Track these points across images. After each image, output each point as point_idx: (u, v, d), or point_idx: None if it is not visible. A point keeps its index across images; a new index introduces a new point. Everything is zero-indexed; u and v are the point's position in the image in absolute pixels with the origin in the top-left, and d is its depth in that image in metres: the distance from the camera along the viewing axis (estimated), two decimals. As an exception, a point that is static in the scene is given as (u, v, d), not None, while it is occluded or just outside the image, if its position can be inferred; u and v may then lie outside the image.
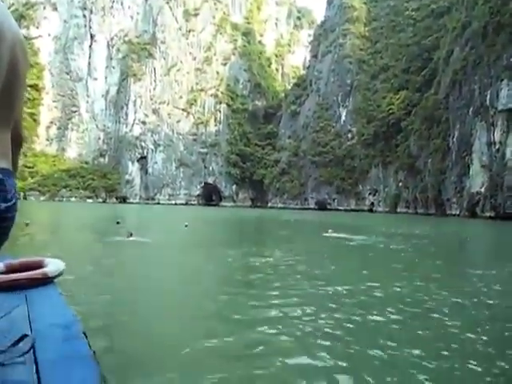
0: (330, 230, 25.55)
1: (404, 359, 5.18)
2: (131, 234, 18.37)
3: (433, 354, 5.35)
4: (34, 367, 1.28)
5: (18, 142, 1.29)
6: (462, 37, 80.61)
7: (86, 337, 1.50)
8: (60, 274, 2.83)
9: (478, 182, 69.46)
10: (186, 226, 30.41)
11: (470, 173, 72.01)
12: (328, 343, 5.64)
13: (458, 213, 74.20)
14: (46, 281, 2.60)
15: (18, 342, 1.37)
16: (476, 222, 55.15)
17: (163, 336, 5.99)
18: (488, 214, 63.78)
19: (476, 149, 70.69)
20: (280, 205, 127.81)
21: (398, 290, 9.24)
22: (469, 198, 71.02)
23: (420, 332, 6.32)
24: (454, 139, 78.12)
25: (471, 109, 73.14)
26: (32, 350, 1.35)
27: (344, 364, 4.95)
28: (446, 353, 5.44)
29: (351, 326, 6.43)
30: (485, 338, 6.01)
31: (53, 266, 2.84)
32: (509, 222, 51.70)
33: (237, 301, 7.99)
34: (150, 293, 8.71)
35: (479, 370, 4.88)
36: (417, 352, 5.42)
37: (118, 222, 32.31)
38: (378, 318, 6.89)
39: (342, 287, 9.16)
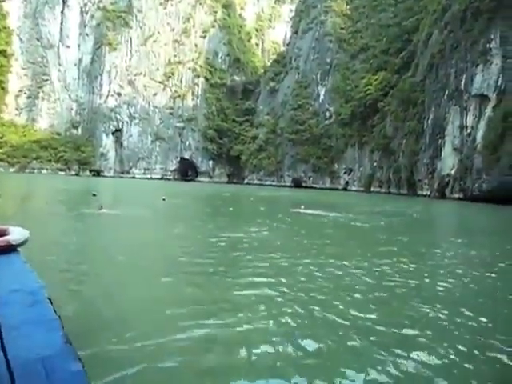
0: (302, 207, 26.56)
1: (361, 323, 5.74)
2: (102, 207, 18.53)
3: (385, 317, 5.98)
4: None
5: None
6: (442, 20, 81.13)
7: (51, 302, 1.47)
8: (24, 243, 2.83)
9: (448, 164, 71.59)
10: (164, 199, 30.57)
11: (442, 155, 74.07)
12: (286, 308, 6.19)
13: (428, 193, 76.58)
14: (10, 248, 2.58)
15: None
16: (444, 202, 57.31)
17: (126, 301, 6.33)
18: (457, 196, 66.11)
19: (449, 132, 72.53)
20: (256, 181, 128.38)
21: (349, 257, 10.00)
22: (439, 180, 73.28)
23: (371, 295, 6.98)
24: (429, 122, 79.74)
25: (446, 92, 74.53)
26: None
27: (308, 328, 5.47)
28: (398, 318, 6.06)
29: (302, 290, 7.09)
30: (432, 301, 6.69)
31: (17, 234, 2.84)
32: (476, 203, 53.91)
33: (200, 272, 8.38)
34: (110, 262, 9.06)
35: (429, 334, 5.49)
36: (371, 316, 6.00)
37: (94, 195, 32.06)
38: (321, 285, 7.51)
39: (301, 260, 9.78)
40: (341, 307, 6.36)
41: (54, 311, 1.43)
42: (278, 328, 5.37)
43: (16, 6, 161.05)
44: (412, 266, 9.75)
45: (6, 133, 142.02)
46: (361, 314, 6.03)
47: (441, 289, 7.84)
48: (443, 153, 73.77)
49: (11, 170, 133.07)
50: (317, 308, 6.22)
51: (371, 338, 5.17)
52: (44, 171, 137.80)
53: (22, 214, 17.68)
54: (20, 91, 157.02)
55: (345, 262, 9.69)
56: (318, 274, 8.48)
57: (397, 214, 30.44)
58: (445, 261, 10.76)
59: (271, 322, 5.61)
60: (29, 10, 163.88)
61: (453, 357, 4.72)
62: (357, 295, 7.05)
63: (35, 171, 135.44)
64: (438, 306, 6.66)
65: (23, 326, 1.29)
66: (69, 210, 20.08)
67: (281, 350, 4.72)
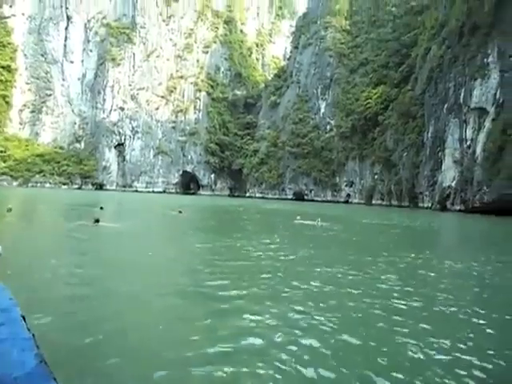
0: (298, 217, 27.45)
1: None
2: (97, 221, 18.41)
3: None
4: None
5: None
6: (440, 35, 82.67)
7: (25, 320, 1.45)
8: None
9: (449, 176, 72.13)
10: (180, 212, 30.76)
11: (443, 167, 74.66)
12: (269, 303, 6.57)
13: (429, 205, 76.95)
14: None
15: None
16: (445, 214, 57.70)
17: (109, 315, 6.31)
18: (458, 208, 66.48)
19: (449, 144, 73.24)
20: (258, 194, 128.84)
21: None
22: (440, 192, 73.71)
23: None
24: (429, 134, 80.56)
25: (445, 106, 75.50)
26: None
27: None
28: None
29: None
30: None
31: None
32: (476, 215, 54.32)
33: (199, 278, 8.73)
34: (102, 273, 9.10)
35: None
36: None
37: (101, 208, 32.53)
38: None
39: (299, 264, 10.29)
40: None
41: (28, 329, 1.39)
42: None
43: (21, 22, 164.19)
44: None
45: (10, 147, 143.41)
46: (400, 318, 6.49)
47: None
48: (444, 165, 74.38)
49: (14, 183, 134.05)
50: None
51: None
52: (47, 185, 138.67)
53: (26, 228, 18.03)
54: (24, 106, 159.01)
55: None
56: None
57: (412, 226, 30.87)
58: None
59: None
60: (33, 26, 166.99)
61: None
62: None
63: (38, 185, 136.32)
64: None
65: None
66: (70, 224, 20.30)
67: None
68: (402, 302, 7.40)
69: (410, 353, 5.14)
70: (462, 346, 5.45)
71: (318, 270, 10.24)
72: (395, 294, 7.97)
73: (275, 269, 10.02)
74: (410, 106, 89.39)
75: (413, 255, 13.44)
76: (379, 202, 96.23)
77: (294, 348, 5.13)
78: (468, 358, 5.05)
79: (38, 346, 1.23)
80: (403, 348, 5.29)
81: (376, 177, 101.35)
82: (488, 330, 6.21)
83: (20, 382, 1.15)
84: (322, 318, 6.24)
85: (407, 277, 9.95)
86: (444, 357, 5.09)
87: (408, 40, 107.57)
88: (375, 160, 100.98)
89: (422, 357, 5.03)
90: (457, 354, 5.16)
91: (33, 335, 1.34)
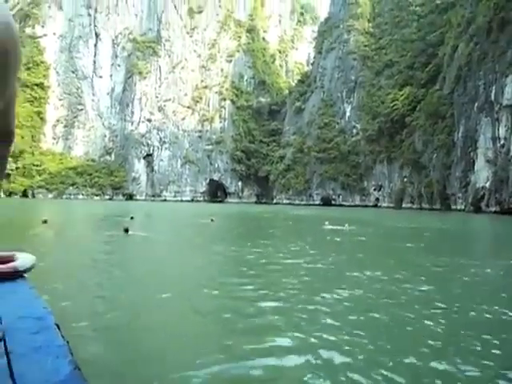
0: (326, 222, 27.26)
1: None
2: (127, 230, 18.61)
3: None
4: (6, 360, 1.25)
5: (6, 138, 1.20)
6: (467, 32, 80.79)
7: (59, 328, 1.48)
8: (31, 269, 2.58)
9: (482, 176, 69.96)
10: (212, 220, 31.11)
11: (475, 168, 72.48)
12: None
13: (463, 208, 74.73)
14: (16, 275, 2.43)
15: None
16: (480, 216, 55.75)
17: (141, 327, 6.24)
18: (493, 209, 64.32)
19: (481, 144, 71.14)
20: (285, 201, 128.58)
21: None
22: (474, 193, 71.53)
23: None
24: (459, 134, 78.52)
25: (476, 104, 73.51)
26: (3, 343, 1.33)
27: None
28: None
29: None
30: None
31: (23, 260, 2.58)
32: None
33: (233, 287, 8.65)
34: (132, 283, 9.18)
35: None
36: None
37: (131, 217, 33.37)
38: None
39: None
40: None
41: (62, 337, 1.42)
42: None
43: (52, 41, 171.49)
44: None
45: (45, 161, 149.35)
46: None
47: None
48: (476, 165, 72.20)
49: (50, 196, 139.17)
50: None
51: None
52: (80, 196, 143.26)
53: (60, 239, 18.59)
54: (57, 121, 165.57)
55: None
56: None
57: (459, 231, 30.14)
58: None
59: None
60: (64, 45, 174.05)
61: None
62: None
63: (72, 197, 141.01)
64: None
65: (31, 353, 1.29)
66: (102, 234, 20.80)
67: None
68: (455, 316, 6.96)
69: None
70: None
71: (355, 274, 10.11)
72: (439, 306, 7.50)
73: (307, 277, 9.96)
74: (438, 106, 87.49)
75: (454, 260, 12.93)
76: (409, 205, 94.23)
77: (331, 369, 4.78)
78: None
79: (72, 353, 1.27)
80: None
81: (405, 179, 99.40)
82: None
83: None
84: (363, 334, 5.85)
85: (446, 285, 9.71)
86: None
87: (434, 39, 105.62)
88: (404, 162, 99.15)
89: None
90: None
91: (67, 342, 1.38)
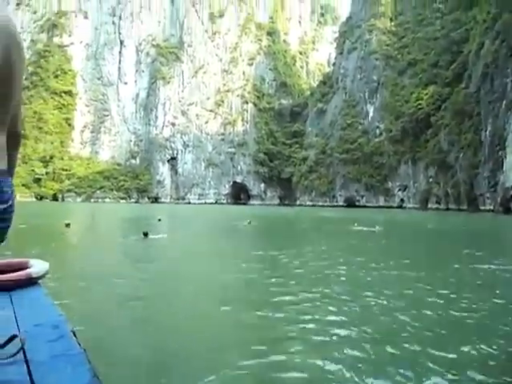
0: (355, 224, 27.55)
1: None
2: (146, 234, 18.47)
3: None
4: (26, 368, 1.25)
5: (15, 140, 1.22)
6: (493, 29, 79.15)
7: (76, 335, 1.49)
8: (44, 275, 2.85)
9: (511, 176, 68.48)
10: (250, 222, 30.51)
11: (504, 167, 70.96)
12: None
13: (491, 208, 73.24)
14: (31, 282, 2.62)
15: (7, 343, 1.34)
16: (510, 217, 54.57)
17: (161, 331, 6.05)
18: (523, 209, 62.95)
19: (509, 143, 69.65)
20: (308, 202, 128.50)
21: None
22: (503, 193, 70.05)
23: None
24: (487, 133, 77.00)
25: (504, 102, 72.03)
26: (22, 351, 1.32)
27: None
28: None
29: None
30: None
31: (37, 267, 2.85)
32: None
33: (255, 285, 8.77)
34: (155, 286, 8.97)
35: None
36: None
37: (159, 220, 34.57)
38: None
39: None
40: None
41: (79, 344, 1.42)
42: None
43: (79, 49, 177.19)
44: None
45: (73, 165, 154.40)
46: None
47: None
48: (505, 165, 70.67)
49: (78, 199, 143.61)
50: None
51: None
52: (107, 200, 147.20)
53: (79, 244, 18.24)
54: (84, 127, 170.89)
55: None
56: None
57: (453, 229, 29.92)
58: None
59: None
60: (90, 53, 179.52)
61: None
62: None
63: (99, 200, 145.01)
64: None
65: (50, 361, 1.29)
66: (123, 238, 20.39)
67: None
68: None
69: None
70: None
71: (393, 278, 10.12)
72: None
73: (345, 280, 9.85)
74: (464, 104, 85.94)
75: (493, 264, 12.16)
76: (435, 205, 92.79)
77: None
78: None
79: (90, 360, 1.25)
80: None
81: (431, 180, 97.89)
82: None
83: None
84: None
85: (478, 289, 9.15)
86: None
87: (458, 36, 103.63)
88: (429, 162, 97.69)
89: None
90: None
91: (84, 350, 1.37)
